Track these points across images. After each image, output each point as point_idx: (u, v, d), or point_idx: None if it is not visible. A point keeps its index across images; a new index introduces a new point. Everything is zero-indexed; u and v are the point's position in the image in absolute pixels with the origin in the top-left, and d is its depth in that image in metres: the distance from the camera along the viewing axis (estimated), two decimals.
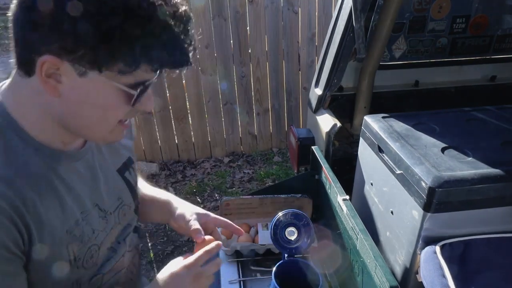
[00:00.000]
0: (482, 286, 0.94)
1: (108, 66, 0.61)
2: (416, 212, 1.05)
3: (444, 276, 0.94)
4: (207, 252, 0.83)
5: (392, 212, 1.21)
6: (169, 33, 0.61)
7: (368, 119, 1.40)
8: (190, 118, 3.59)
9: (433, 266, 0.97)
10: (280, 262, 1.04)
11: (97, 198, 0.81)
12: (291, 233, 1.12)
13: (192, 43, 0.65)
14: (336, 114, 1.95)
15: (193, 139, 3.69)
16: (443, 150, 1.15)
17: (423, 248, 1.04)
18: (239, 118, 3.71)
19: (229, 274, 1.36)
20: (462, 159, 1.10)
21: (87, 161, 0.79)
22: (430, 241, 1.04)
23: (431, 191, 0.99)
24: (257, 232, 1.43)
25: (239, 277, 1.35)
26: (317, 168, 1.42)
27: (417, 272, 1.07)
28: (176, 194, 3.36)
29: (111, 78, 0.62)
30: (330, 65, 1.90)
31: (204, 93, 3.51)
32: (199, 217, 0.98)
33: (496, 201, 1.03)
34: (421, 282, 1.00)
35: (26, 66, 0.63)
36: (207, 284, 0.83)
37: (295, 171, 2.06)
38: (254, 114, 3.71)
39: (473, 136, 1.23)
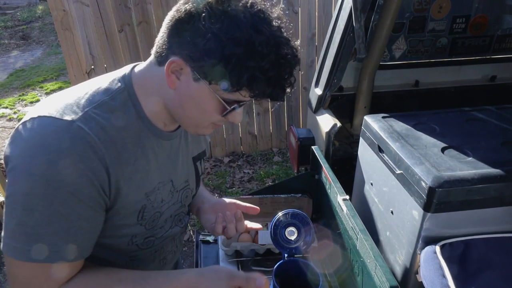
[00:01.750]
0: (482, 286, 0.94)
1: (217, 81, 0.74)
2: (416, 212, 1.05)
3: (444, 276, 0.94)
4: (253, 278, 0.84)
5: (392, 212, 1.21)
6: (276, 72, 0.73)
7: (368, 119, 1.40)
8: None
9: (433, 266, 0.97)
10: (280, 262, 1.04)
11: (173, 175, 0.94)
12: (291, 233, 1.12)
13: (292, 82, 0.78)
14: (336, 114, 1.95)
15: None
16: (443, 150, 1.15)
17: (423, 248, 1.04)
18: None
19: None
20: (462, 159, 1.10)
21: (174, 143, 0.94)
22: (430, 241, 1.04)
23: (431, 191, 0.99)
24: (257, 232, 1.43)
25: None
26: (317, 168, 1.42)
27: (417, 272, 1.07)
28: None
29: (216, 90, 0.76)
30: (330, 65, 1.90)
31: None
32: (220, 209, 1.06)
33: (496, 201, 1.03)
34: (421, 282, 1.00)
35: (160, 58, 0.79)
36: None
37: (295, 171, 2.06)
38: (254, 114, 3.71)
39: (473, 136, 1.23)
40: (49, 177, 0.69)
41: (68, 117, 0.73)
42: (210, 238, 1.47)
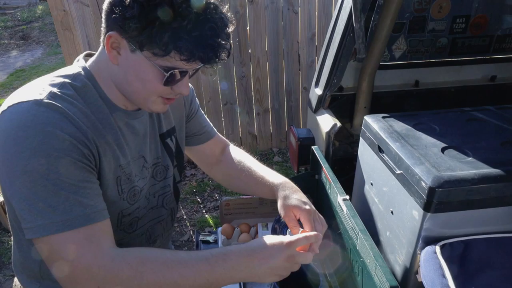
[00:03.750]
0: (482, 286, 0.94)
1: (147, 47, 0.78)
2: (416, 212, 1.05)
3: (444, 276, 0.94)
4: (306, 237, 0.86)
5: (392, 212, 1.21)
6: (199, 31, 0.76)
7: (368, 119, 1.40)
8: None
9: (433, 266, 0.97)
10: None
11: (144, 151, 0.99)
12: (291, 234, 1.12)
13: (225, 44, 0.80)
14: (336, 114, 1.95)
15: None
16: (443, 150, 1.15)
17: (423, 248, 1.04)
18: (239, 118, 3.71)
19: None
20: (462, 159, 1.10)
21: (142, 122, 0.97)
22: (430, 241, 1.04)
23: (431, 191, 0.99)
24: (257, 232, 1.43)
25: None
26: (317, 168, 1.42)
27: (417, 272, 1.07)
28: None
29: (149, 57, 0.79)
30: (330, 65, 1.90)
31: (204, 93, 3.51)
32: (295, 213, 1.02)
33: (496, 201, 1.03)
34: (421, 282, 1.00)
35: (103, 39, 0.83)
36: (291, 269, 0.85)
37: (295, 171, 2.06)
38: (254, 114, 3.71)
39: (473, 136, 1.23)
40: (36, 149, 0.73)
41: (37, 98, 0.77)
42: (210, 238, 1.47)
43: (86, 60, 0.92)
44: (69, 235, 0.75)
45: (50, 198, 0.74)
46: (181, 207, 3.20)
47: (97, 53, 0.91)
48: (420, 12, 2.12)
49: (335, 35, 1.90)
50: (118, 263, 0.76)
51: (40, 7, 10.22)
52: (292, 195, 1.06)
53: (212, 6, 0.78)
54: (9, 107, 0.77)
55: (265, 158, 3.80)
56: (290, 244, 0.83)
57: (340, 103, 2.08)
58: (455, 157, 1.11)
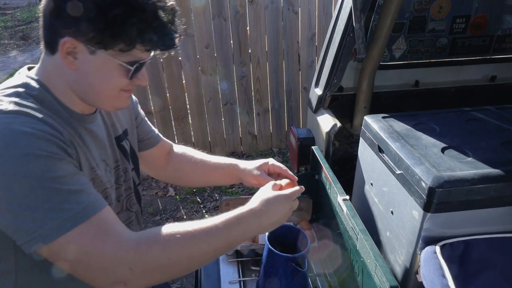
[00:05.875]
0: (482, 286, 0.94)
1: (111, 46, 0.78)
2: (416, 212, 1.05)
3: (444, 276, 0.94)
4: (299, 190, 0.99)
5: (392, 212, 1.21)
6: (159, 21, 0.78)
7: (368, 119, 1.40)
8: (190, 118, 3.59)
9: (433, 266, 0.97)
10: None
11: (104, 155, 0.98)
12: None
13: (178, 30, 0.83)
14: (336, 114, 1.95)
15: (193, 139, 3.69)
16: (443, 150, 1.15)
17: (423, 248, 1.04)
18: (239, 118, 3.71)
19: (229, 274, 1.36)
20: (462, 159, 1.10)
21: (98, 125, 0.96)
22: (430, 241, 1.04)
23: (431, 191, 0.99)
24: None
25: (239, 277, 1.35)
26: (317, 168, 1.42)
27: (417, 272, 1.07)
28: (176, 194, 3.38)
29: (114, 55, 0.79)
30: (330, 65, 1.90)
31: (204, 93, 3.51)
32: (263, 168, 1.17)
33: (496, 201, 1.02)
34: (421, 282, 1.00)
35: (51, 46, 0.81)
36: (292, 208, 0.96)
37: (295, 171, 2.06)
38: (254, 114, 3.71)
39: (473, 136, 1.23)
40: (22, 154, 0.70)
41: None
42: None
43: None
44: (85, 227, 0.73)
45: (54, 197, 0.72)
46: (181, 207, 3.20)
47: (41, 62, 0.87)
48: (420, 12, 2.12)
49: (335, 35, 1.90)
50: (144, 242, 0.78)
51: (40, 7, 10.20)
52: (250, 162, 1.19)
53: None
54: None
55: (265, 158, 3.79)
56: (289, 195, 0.95)
57: (340, 103, 2.08)
58: (455, 157, 1.11)
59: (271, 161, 1.18)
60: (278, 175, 1.16)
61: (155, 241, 0.78)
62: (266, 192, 0.96)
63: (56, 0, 0.78)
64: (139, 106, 1.20)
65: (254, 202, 0.93)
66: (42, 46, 0.84)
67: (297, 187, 1.00)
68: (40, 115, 0.76)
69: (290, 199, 0.95)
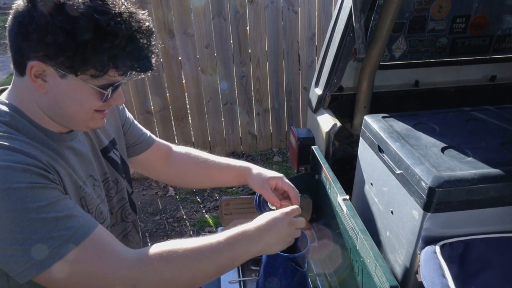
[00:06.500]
0: (482, 286, 0.94)
1: (82, 71, 0.75)
2: (416, 212, 1.05)
3: (444, 276, 0.94)
4: (297, 208, 0.99)
5: (392, 212, 1.21)
6: (134, 45, 0.75)
7: (368, 119, 1.40)
8: (190, 118, 3.59)
9: (433, 266, 0.97)
10: None
11: (90, 170, 0.95)
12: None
13: (155, 51, 0.81)
14: (336, 114, 1.95)
15: (193, 139, 3.70)
16: (443, 150, 1.15)
17: (423, 248, 1.04)
18: (239, 118, 3.71)
19: (229, 274, 1.36)
20: (462, 159, 1.10)
21: (79, 141, 0.93)
22: (430, 241, 1.04)
23: (431, 191, 0.99)
24: None
25: (239, 277, 1.35)
26: (317, 168, 1.42)
27: (417, 272, 1.07)
28: (176, 194, 3.38)
29: (85, 80, 0.77)
30: (330, 65, 1.90)
31: (204, 93, 3.51)
32: (271, 183, 1.14)
33: (496, 201, 1.03)
34: (421, 282, 1.00)
35: (19, 68, 0.78)
36: (294, 235, 0.96)
37: (295, 171, 2.06)
38: (254, 114, 3.71)
39: (473, 136, 1.23)
40: (1, 190, 0.68)
41: None
42: None
43: None
44: (79, 250, 0.72)
45: (41, 227, 0.70)
46: (181, 207, 3.20)
47: (12, 84, 0.83)
48: (420, 12, 2.12)
49: (335, 35, 1.90)
50: (146, 259, 0.77)
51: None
52: (265, 171, 1.17)
53: (135, 16, 0.76)
54: None
55: (265, 158, 3.80)
56: (288, 213, 0.95)
57: (340, 103, 2.08)
58: (455, 157, 1.11)
59: (283, 179, 1.16)
60: (283, 192, 1.16)
61: (158, 257, 0.78)
62: (270, 212, 0.96)
63: (21, 23, 0.73)
64: (126, 111, 1.16)
65: (258, 220, 0.93)
66: (11, 66, 0.80)
67: (295, 206, 0.99)
68: (15, 145, 0.73)
69: (290, 214, 0.95)
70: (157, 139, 1.24)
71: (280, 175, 1.16)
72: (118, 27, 0.72)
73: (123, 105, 1.13)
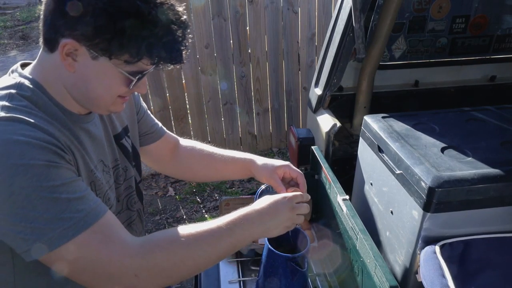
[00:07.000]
0: (482, 286, 0.94)
1: (117, 56, 0.75)
2: (416, 212, 1.05)
3: (444, 276, 0.94)
4: (301, 195, 0.98)
5: (392, 212, 1.21)
6: (170, 36, 0.76)
7: (368, 119, 1.40)
8: (190, 118, 3.59)
9: (433, 266, 0.97)
10: None
11: (102, 155, 0.95)
12: None
13: (187, 45, 0.81)
14: (336, 114, 1.95)
15: (192, 139, 3.68)
16: (443, 150, 1.15)
17: (422, 248, 1.04)
18: (239, 118, 3.71)
19: (229, 274, 1.36)
20: (462, 159, 1.10)
21: (95, 124, 0.93)
22: (429, 241, 1.04)
23: (431, 191, 0.99)
24: None
25: (239, 277, 1.35)
26: (317, 168, 1.42)
27: (417, 272, 1.07)
28: (175, 194, 3.38)
29: (117, 65, 0.77)
30: (330, 65, 1.90)
31: (204, 93, 3.51)
32: (278, 173, 1.12)
33: (496, 201, 1.02)
34: (421, 282, 1.00)
35: (50, 44, 0.78)
36: (296, 221, 0.96)
37: None
38: (254, 114, 3.71)
39: (473, 136, 1.23)
40: (16, 164, 0.68)
41: None
42: None
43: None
44: (88, 234, 0.72)
45: (53, 207, 0.70)
46: (181, 207, 3.20)
47: (38, 59, 0.83)
48: (420, 12, 2.12)
49: (335, 35, 1.90)
50: (148, 247, 0.77)
51: (40, 7, 10.20)
52: (270, 161, 1.16)
53: (173, 8, 0.77)
54: None
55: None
56: (291, 198, 0.95)
57: (340, 103, 2.08)
58: (455, 157, 1.11)
59: (290, 166, 1.14)
60: (291, 180, 1.14)
61: (159, 245, 0.78)
62: (272, 196, 0.96)
63: (61, 0, 0.73)
64: (141, 99, 1.17)
65: (258, 203, 0.94)
66: (40, 41, 0.80)
67: (299, 193, 0.99)
68: (34, 121, 0.73)
69: (292, 199, 0.95)
70: (167, 131, 1.25)
71: (286, 162, 1.15)
72: (159, 16, 0.74)
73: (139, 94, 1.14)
